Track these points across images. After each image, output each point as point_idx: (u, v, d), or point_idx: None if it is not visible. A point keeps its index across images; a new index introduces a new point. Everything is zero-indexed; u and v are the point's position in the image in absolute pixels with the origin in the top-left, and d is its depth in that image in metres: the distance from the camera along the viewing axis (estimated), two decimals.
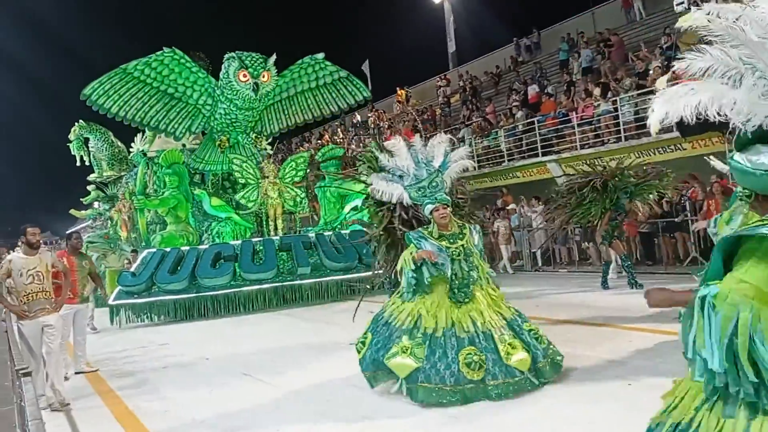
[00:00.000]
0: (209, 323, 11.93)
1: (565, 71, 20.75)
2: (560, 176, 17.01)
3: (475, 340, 5.06)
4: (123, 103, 14.48)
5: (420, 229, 5.54)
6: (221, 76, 14.96)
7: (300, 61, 16.46)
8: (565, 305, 9.75)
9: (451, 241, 5.36)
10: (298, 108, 16.71)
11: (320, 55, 16.54)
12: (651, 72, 15.69)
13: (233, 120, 15.40)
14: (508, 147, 18.92)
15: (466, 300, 5.26)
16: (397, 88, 30.04)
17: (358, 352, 5.47)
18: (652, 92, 15.19)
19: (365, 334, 5.50)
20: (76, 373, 7.80)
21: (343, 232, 14.93)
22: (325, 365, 6.94)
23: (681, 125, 13.12)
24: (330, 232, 14.95)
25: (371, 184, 6.05)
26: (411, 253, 5.25)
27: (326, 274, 13.75)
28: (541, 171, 17.35)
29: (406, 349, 4.99)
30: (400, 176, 5.66)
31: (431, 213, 5.39)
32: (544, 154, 17.53)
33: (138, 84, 14.52)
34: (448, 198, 5.55)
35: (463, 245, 5.36)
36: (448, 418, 4.67)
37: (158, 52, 14.62)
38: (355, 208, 15.96)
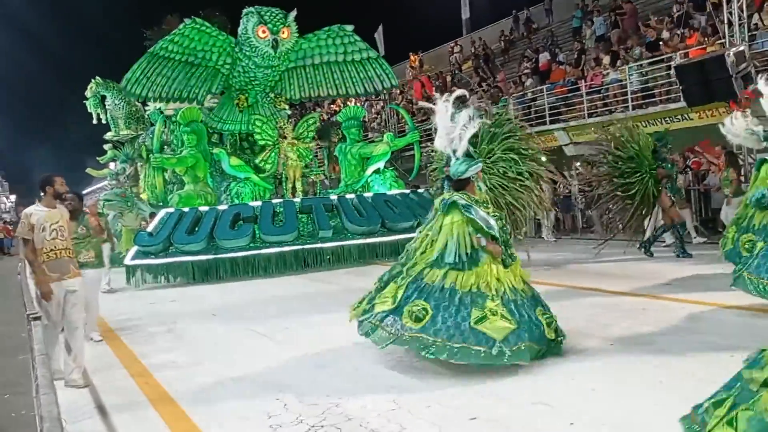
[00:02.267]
0: (227, 286, 11.96)
1: (577, 39, 20.87)
2: (567, 144, 17.37)
3: (539, 301, 5.34)
4: (153, 85, 14.48)
5: (459, 194, 5.41)
6: (240, 32, 14.77)
7: (327, 28, 16.12)
8: (585, 273, 9.98)
9: (486, 206, 5.46)
10: (323, 79, 16.40)
11: (349, 27, 16.16)
12: (662, 42, 15.89)
13: (252, 78, 15.33)
14: (516, 115, 19.18)
15: (512, 262, 5.35)
16: (410, 54, 30.12)
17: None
18: (661, 62, 15.45)
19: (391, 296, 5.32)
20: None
21: (365, 195, 15.01)
22: (335, 328, 6.90)
23: (688, 95, 13.48)
24: (352, 195, 14.92)
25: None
26: (471, 235, 5.22)
27: (348, 237, 13.66)
28: (548, 139, 17.66)
29: (496, 312, 4.96)
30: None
31: (475, 174, 5.44)
32: (552, 122, 17.82)
33: (163, 62, 14.50)
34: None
35: (495, 209, 5.58)
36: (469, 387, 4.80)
37: (180, 26, 14.67)
38: (377, 171, 16.32)
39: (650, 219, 11.51)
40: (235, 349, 6.67)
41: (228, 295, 10.78)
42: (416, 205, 14.34)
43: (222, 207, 14.01)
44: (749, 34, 13.45)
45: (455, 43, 29.42)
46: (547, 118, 17.95)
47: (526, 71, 20.98)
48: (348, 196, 14.86)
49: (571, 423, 3.89)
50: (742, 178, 11.42)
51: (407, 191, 15.49)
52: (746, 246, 7.26)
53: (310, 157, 16.36)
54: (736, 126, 8.38)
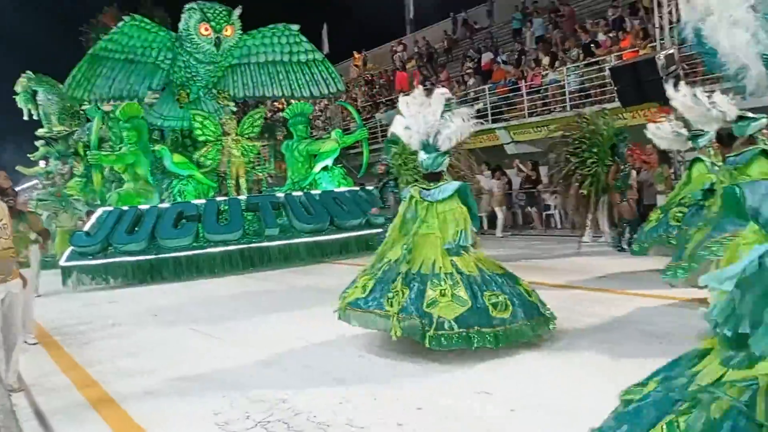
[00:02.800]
0: (169, 286, 11.76)
1: (517, 40, 21.35)
2: (509, 143, 17.75)
3: (492, 282, 5.43)
4: (94, 87, 14.20)
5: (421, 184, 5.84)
6: (180, 28, 14.55)
7: (273, 27, 15.99)
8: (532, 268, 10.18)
9: None
10: (268, 79, 16.24)
11: (295, 27, 16.05)
12: (593, 45, 16.44)
13: (194, 74, 15.11)
14: None
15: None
16: (354, 52, 30.18)
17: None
18: (597, 63, 15.96)
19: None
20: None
21: (313, 192, 14.93)
22: (282, 326, 7.14)
23: (622, 95, 13.98)
24: (300, 193, 14.83)
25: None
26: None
27: (296, 235, 13.57)
28: (490, 138, 18.00)
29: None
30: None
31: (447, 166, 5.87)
32: (493, 122, 18.18)
33: (103, 62, 14.23)
34: None
35: None
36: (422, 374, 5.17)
37: (120, 24, 14.40)
38: (326, 168, 16.27)
39: (602, 215, 11.77)
40: (179, 349, 6.61)
41: (170, 295, 10.61)
42: (365, 203, 14.37)
43: (164, 205, 13.76)
44: (679, 37, 14.01)
45: (399, 42, 29.61)
46: (489, 117, 18.29)
47: (468, 71, 21.34)
48: (295, 193, 14.78)
49: (512, 409, 4.04)
50: (673, 175, 11.92)
51: (356, 188, 15.54)
52: (677, 216, 7.57)
53: (255, 153, 16.19)
54: (663, 130, 8.74)
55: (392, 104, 23.81)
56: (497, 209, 15.83)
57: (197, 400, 4.78)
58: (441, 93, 5.80)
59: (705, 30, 2.15)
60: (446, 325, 5.01)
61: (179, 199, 14.28)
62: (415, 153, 8.31)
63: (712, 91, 6.50)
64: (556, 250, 12.17)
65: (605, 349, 5.21)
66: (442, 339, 5.00)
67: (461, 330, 5.01)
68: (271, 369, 5.49)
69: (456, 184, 5.75)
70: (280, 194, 14.76)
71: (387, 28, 33.15)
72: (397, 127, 5.93)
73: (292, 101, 18.14)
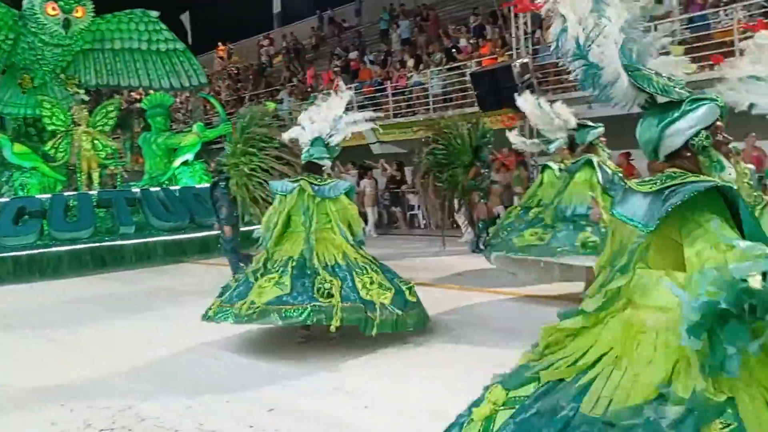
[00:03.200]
0: (8, 288, 10.60)
1: (384, 41, 21.74)
2: (374, 143, 18.01)
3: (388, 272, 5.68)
4: None
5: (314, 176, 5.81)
6: (24, 5, 13.36)
7: (130, 12, 15.03)
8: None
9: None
10: (124, 67, 15.27)
11: (154, 13, 15.17)
12: (455, 50, 17.11)
13: (39, 56, 13.91)
14: None
15: None
16: (219, 43, 29.36)
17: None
18: (459, 68, 16.59)
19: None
20: None
21: (172, 188, 14.23)
22: (131, 331, 6.75)
23: (481, 100, 14.62)
24: (158, 188, 14.09)
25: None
26: None
27: (153, 234, 12.88)
28: (356, 137, 18.14)
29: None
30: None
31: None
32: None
33: None
34: None
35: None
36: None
37: None
38: (186, 163, 15.58)
39: (462, 216, 12.18)
40: (16, 357, 6.08)
41: (9, 298, 9.70)
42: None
43: (3, 200, 12.55)
44: (533, 47, 14.88)
45: (265, 36, 29.18)
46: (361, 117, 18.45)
47: (335, 69, 21.42)
48: (153, 189, 14.01)
49: (366, 406, 4.09)
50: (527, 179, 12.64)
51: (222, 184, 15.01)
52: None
53: (110, 150, 15.15)
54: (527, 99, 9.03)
55: (257, 99, 23.43)
56: (368, 209, 15.87)
57: (34, 411, 4.42)
58: (343, 93, 6.04)
59: (582, 40, 2.33)
60: (387, 311, 5.22)
61: (21, 193, 13.15)
62: (247, 154, 8.23)
63: (555, 101, 7.02)
64: (419, 249, 12.47)
65: (459, 346, 5.41)
66: (385, 324, 5.19)
67: (398, 313, 5.27)
68: (118, 375, 5.18)
69: (346, 183, 5.93)
70: (137, 189, 13.92)
71: (253, 20, 32.48)
72: (303, 121, 5.99)
73: (151, 91, 17.26)
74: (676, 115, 2.25)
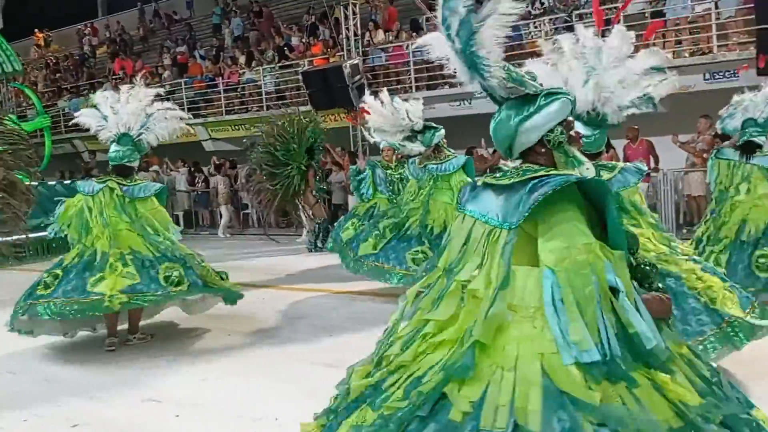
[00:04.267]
0: None
1: (217, 36, 21.17)
2: (206, 140, 17.54)
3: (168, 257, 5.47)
4: None
5: (119, 178, 5.58)
6: None
7: None
8: None
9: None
10: None
11: None
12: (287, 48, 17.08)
13: None
14: None
15: None
16: (36, 30, 27.01)
17: None
18: (291, 66, 16.56)
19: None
20: None
21: None
22: None
23: (314, 99, 14.72)
24: None
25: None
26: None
27: None
28: (187, 134, 17.54)
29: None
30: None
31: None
32: (191, 117, 17.78)
33: None
34: None
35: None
36: None
37: None
38: None
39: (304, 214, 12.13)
40: None
41: None
42: (46, 200, 12.81)
43: None
44: (363, 49, 15.24)
45: (86, 25, 27.23)
46: (187, 113, 17.81)
47: (165, 62, 20.55)
48: None
49: (177, 415, 4.00)
50: None
51: (35, 183, 13.81)
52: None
53: None
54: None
55: (78, 91, 21.90)
56: (222, 207, 15.16)
57: None
58: (142, 87, 5.77)
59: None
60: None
61: None
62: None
63: (406, 100, 7.01)
64: (252, 248, 12.31)
65: (277, 347, 5.41)
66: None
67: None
68: None
69: (156, 185, 5.79)
70: None
71: (76, 7, 30.15)
72: (103, 108, 5.66)
73: None
74: (531, 110, 2.15)
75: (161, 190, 5.73)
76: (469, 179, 6.39)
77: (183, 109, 17.29)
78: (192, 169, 16.85)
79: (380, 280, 6.60)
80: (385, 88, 7.82)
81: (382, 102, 7.07)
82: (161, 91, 5.98)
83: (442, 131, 6.75)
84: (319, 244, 11.52)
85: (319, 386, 4.26)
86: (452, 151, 7.06)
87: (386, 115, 7.01)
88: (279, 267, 9.90)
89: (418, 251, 6.30)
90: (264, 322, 6.27)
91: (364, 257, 6.65)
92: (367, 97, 7.88)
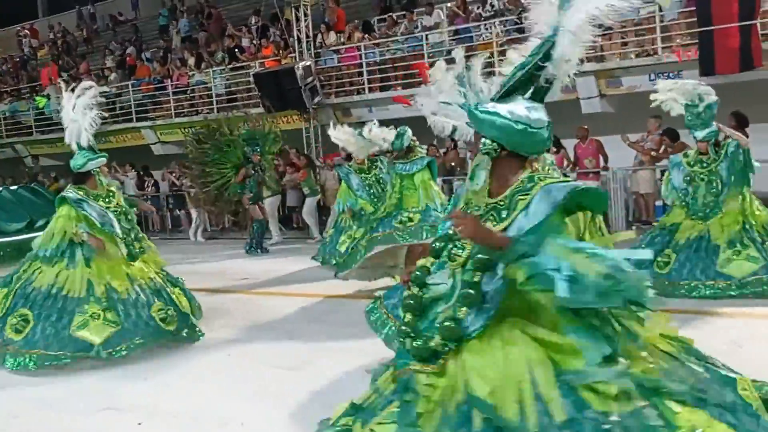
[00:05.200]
0: None
1: (164, 37, 20.77)
2: (155, 143, 17.19)
3: (160, 295, 5.33)
4: None
5: (74, 188, 5.26)
6: None
7: None
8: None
9: (106, 199, 5.34)
10: None
11: None
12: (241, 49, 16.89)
13: None
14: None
15: (140, 254, 5.49)
16: None
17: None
18: (242, 68, 16.37)
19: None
20: None
21: None
22: None
23: (265, 101, 14.57)
24: None
25: None
26: (76, 232, 5.10)
27: None
28: (135, 137, 17.22)
29: (98, 316, 4.95)
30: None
31: (97, 168, 5.34)
32: (139, 120, 17.42)
33: None
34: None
35: (118, 201, 5.45)
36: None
37: None
38: None
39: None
40: None
41: None
42: (29, 203, 12.34)
43: None
44: (315, 51, 15.18)
45: (24, 27, 26.34)
46: (134, 116, 17.46)
47: (111, 65, 20.06)
48: None
49: (139, 423, 3.90)
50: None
51: (15, 187, 13.32)
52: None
53: None
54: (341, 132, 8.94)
55: (19, 94, 21.20)
56: (192, 210, 14.40)
57: None
58: (86, 87, 5.43)
59: None
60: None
61: None
62: None
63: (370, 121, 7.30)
64: (204, 252, 12.11)
65: (236, 350, 5.31)
66: None
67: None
68: None
69: (62, 194, 5.40)
70: None
71: (14, 8, 29.13)
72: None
73: None
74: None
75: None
76: (432, 180, 6.66)
77: (130, 113, 17.30)
78: (141, 173, 16.48)
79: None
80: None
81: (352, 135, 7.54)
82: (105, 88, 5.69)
83: (409, 132, 6.74)
84: (255, 246, 11.42)
85: (282, 389, 4.29)
86: (423, 149, 7.28)
87: (362, 144, 7.43)
88: (236, 271, 9.73)
89: None
90: (224, 326, 6.16)
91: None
92: (332, 131, 7.99)
